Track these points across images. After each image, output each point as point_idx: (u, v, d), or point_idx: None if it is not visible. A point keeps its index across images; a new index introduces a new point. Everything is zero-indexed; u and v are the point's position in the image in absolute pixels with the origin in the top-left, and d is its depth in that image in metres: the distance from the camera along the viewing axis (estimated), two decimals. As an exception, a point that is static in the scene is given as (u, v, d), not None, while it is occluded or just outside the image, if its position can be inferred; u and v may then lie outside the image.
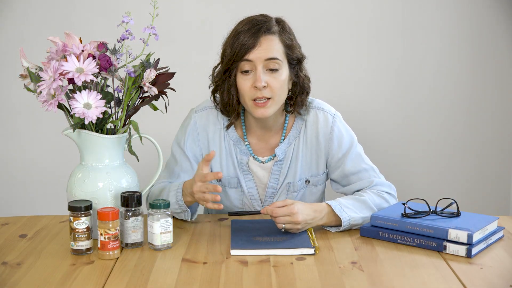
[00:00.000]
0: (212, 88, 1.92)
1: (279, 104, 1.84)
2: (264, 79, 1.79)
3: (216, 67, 1.90)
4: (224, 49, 1.85)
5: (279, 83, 1.81)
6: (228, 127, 1.93)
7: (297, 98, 1.90)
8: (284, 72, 1.83)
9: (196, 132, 1.95)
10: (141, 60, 1.67)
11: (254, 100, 1.81)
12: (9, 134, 2.97)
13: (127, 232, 1.62)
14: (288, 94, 1.88)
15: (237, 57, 1.79)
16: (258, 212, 1.77)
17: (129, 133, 1.70)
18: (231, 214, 1.82)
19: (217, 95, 1.92)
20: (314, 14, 2.90)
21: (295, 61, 1.86)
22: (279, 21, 1.86)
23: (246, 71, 1.81)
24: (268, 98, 1.81)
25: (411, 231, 1.66)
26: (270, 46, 1.80)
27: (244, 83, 1.81)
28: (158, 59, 1.69)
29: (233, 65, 1.81)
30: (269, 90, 1.80)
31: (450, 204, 1.74)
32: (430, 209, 1.71)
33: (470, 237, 1.57)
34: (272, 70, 1.81)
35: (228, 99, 1.86)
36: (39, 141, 2.97)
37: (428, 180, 3.04)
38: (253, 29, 1.80)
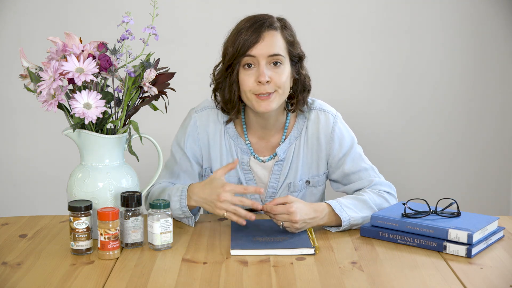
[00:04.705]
0: (213, 86, 1.92)
1: (282, 98, 1.84)
2: (268, 74, 1.79)
3: (217, 66, 1.90)
4: (225, 47, 1.85)
5: (281, 77, 1.81)
6: (227, 122, 1.92)
7: (298, 96, 1.90)
8: (287, 68, 1.83)
9: (196, 132, 1.95)
10: (141, 60, 1.67)
11: (257, 95, 1.81)
12: (9, 134, 2.97)
13: (127, 232, 1.62)
14: (289, 92, 1.88)
15: (240, 53, 1.79)
16: (258, 210, 1.76)
17: (129, 133, 1.69)
18: None
19: (218, 93, 1.91)
20: (316, 15, 2.90)
21: (297, 58, 1.87)
22: (280, 19, 1.87)
23: (249, 65, 1.81)
24: (272, 92, 1.81)
25: (411, 231, 1.66)
26: (273, 42, 1.80)
27: (247, 78, 1.81)
28: (158, 59, 1.69)
29: (236, 60, 1.81)
30: (272, 84, 1.80)
31: (450, 204, 1.74)
32: (430, 209, 1.71)
33: (470, 237, 1.57)
34: (275, 64, 1.81)
35: (229, 96, 1.86)
36: (39, 141, 2.97)
37: (429, 181, 3.04)
38: (256, 24, 1.80)
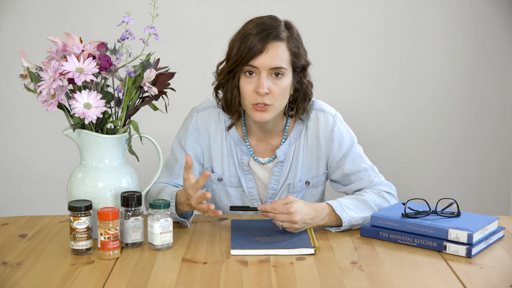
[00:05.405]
0: (215, 84, 1.92)
1: (278, 110, 1.84)
2: (267, 85, 1.79)
3: (220, 63, 1.89)
4: (231, 48, 1.84)
5: (281, 90, 1.81)
6: (229, 128, 1.93)
7: (298, 104, 1.90)
8: (287, 79, 1.82)
9: (197, 132, 1.95)
10: (141, 60, 1.67)
11: (254, 104, 1.81)
12: (9, 134, 2.97)
13: (127, 232, 1.62)
14: (289, 99, 1.88)
15: (243, 61, 1.79)
16: (256, 209, 1.76)
17: (129, 133, 1.69)
18: (232, 208, 1.81)
19: (220, 92, 1.91)
20: (317, 15, 2.90)
21: (300, 68, 1.86)
22: (288, 27, 1.84)
23: (251, 73, 1.81)
24: (268, 105, 1.81)
25: (411, 231, 1.65)
26: (277, 54, 1.79)
27: (247, 86, 1.81)
28: (158, 59, 1.69)
29: (238, 67, 1.81)
30: (270, 96, 1.80)
31: (451, 204, 1.74)
32: (430, 209, 1.71)
33: (470, 237, 1.57)
34: (276, 75, 1.80)
35: (230, 99, 1.86)
36: (39, 141, 2.97)
37: (429, 181, 3.04)
38: (262, 34, 1.78)
